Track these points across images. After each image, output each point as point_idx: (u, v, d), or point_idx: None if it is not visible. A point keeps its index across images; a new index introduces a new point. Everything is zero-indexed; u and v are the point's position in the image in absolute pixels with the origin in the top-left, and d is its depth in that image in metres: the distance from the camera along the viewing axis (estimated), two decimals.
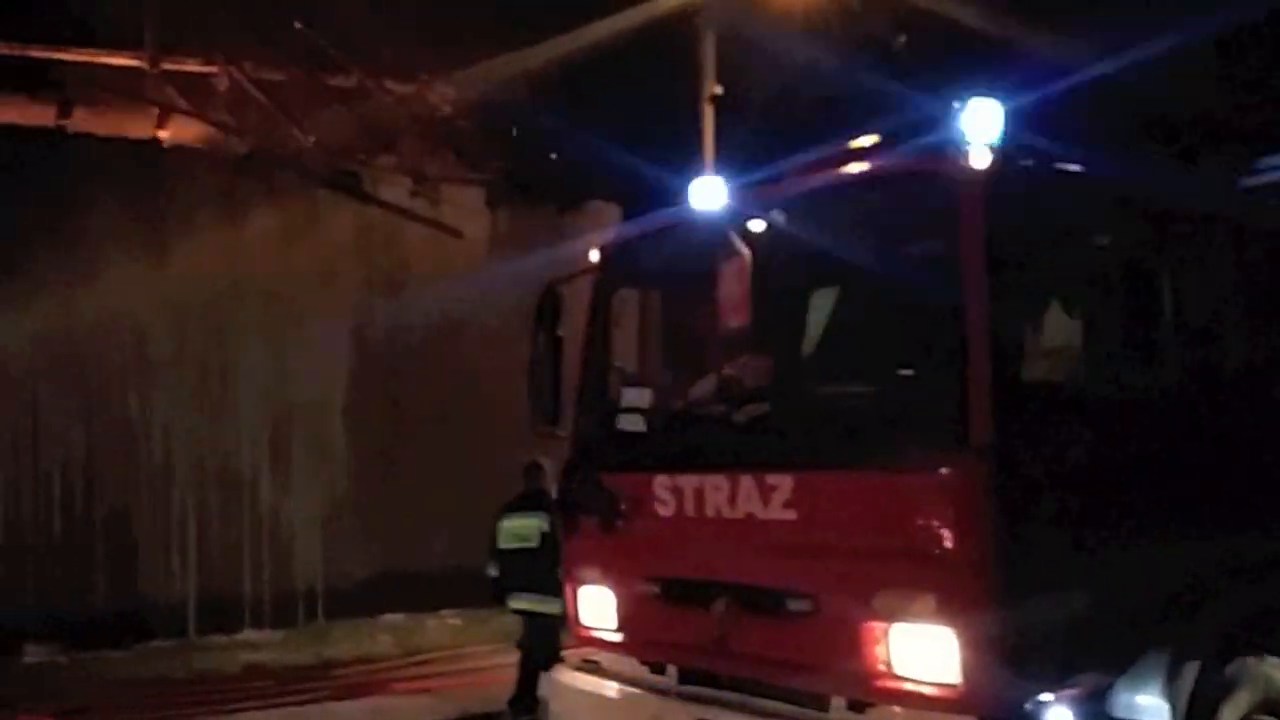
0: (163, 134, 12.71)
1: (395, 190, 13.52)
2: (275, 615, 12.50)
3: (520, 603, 8.39)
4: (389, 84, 14.13)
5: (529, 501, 8.49)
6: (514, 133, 14.35)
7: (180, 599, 12.13)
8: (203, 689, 9.88)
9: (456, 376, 13.37)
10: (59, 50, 12.36)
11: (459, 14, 13.33)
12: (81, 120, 12.09)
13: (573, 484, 5.93)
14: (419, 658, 10.93)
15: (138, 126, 12.62)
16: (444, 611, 12.81)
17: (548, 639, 7.85)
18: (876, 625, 4.40)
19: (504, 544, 8.47)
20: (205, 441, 12.34)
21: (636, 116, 13.23)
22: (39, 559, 11.44)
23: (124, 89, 12.63)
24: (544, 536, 8.21)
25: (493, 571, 8.58)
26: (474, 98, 14.48)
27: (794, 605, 4.68)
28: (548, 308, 6.04)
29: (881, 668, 4.42)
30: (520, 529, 8.40)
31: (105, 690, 9.78)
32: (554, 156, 13.87)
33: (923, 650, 4.30)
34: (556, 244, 12.33)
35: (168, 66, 13.05)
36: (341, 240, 13.09)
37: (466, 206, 13.91)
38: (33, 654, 11.01)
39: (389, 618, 12.59)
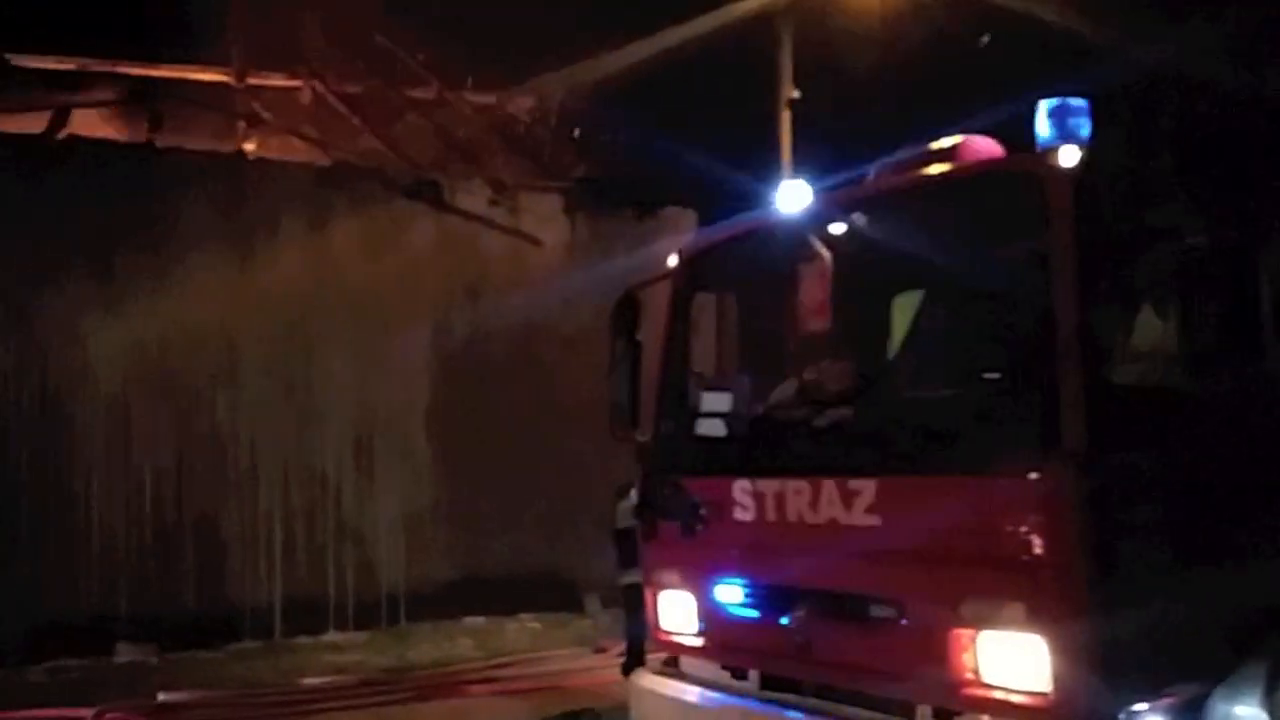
0: (249, 147, 12.98)
1: (474, 199, 13.65)
2: (358, 617, 12.67)
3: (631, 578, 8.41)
4: (468, 94, 14.29)
5: None
6: (591, 140, 14.42)
7: (267, 601, 12.34)
8: (289, 689, 10.05)
9: (535, 382, 13.46)
10: (150, 66, 12.67)
11: (536, 23, 13.44)
12: (171, 134, 12.38)
13: (652, 488, 5.93)
14: (499, 660, 10.98)
15: (225, 140, 12.91)
16: (523, 615, 12.90)
17: None
18: (964, 632, 4.34)
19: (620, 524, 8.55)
20: (291, 447, 12.54)
21: (713, 122, 13.25)
22: (131, 561, 11.71)
23: (212, 103, 12.91)
24: None
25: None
26: (552, 106, 14.59)
27: (878, 611, 4.64)
28: (626, 313, 6.06)
29: (969, 676, 4.35)
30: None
31: (195, 689, 9.98)
32: (633, 162, 13.92)
33: (1012, 658, 4.24)
34: (634, 249, 12.43)
35: (254, 81, 13.33)
36: (422, 249, 13.25)
37: (545, 214, 14.00)
38: (125, 653, 11.27)
39: (469, 621, 12.71)
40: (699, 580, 5.63)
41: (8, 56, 12.04)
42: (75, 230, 11.46)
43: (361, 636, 12.38)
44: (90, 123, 12.16)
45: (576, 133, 14.44)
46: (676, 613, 5.79)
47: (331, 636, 12.37)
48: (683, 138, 13.22)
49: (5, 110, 11.83)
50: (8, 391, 11.29)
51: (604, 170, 14.46)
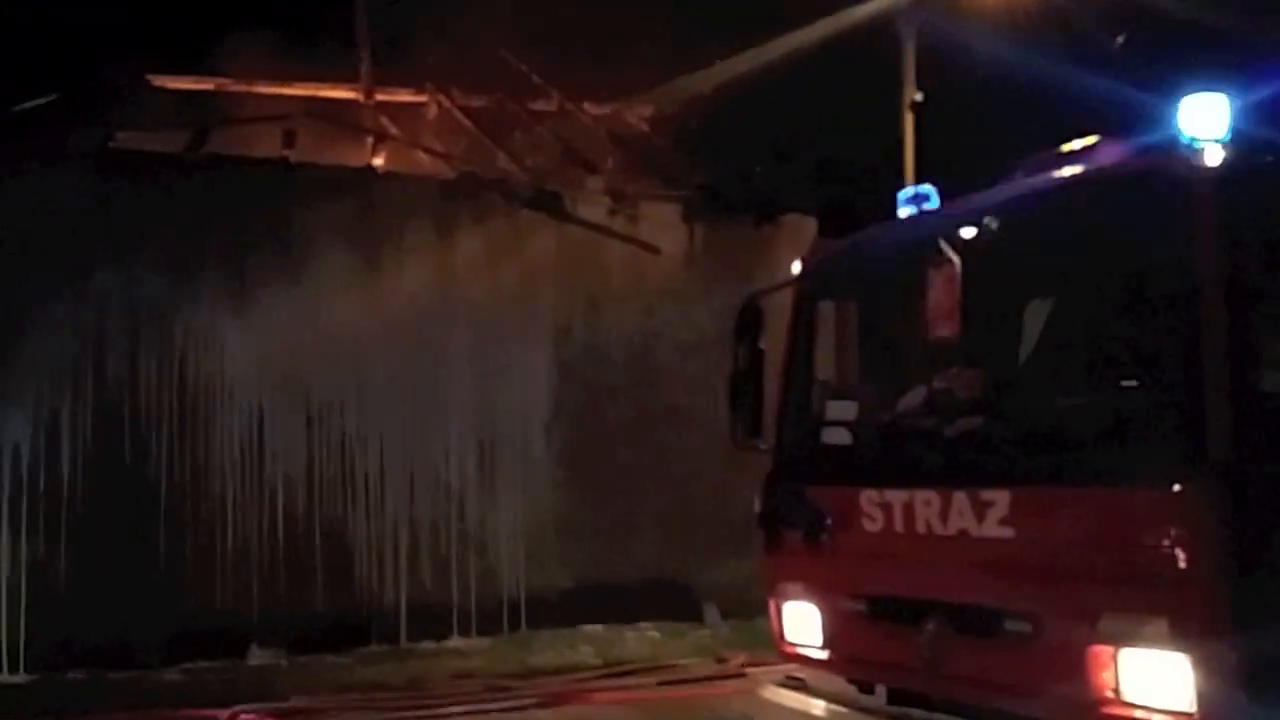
0: (377, 161, 13.29)
1: (595, 209, 13.75)
2: (481, 623, 12.81)
3: None
4: (588, 105, 14.41)
5: None
6: (710, 147, 14.41)
7: (393, 606, 12.56)
8: (414, 693, 10.22)
9: (655, 390, 13.47)
10: (283, 85, 13.07)
11: (653, 31, 13.50)
12: (303, 150, 12.74)
13: (775, 498, 5.88)
14: (619, 668, 11.01)
15: (354, 155, 13.24)
16: (642, 624, 12.90)
17: None
18: (1102, 649, 4.20)
19: None
20: (416, 456, 12.76)
21: (834, 127, 13.12)
22: (264, 566, 12.04)
23: (342, 120, 13.25)
24: None
25: None
26: (670, 114, 14.63)
27: (1012, 626, 4.52)
28: (748, 321, 6.03)
29: (1108, 694, 4.21)
30: None
31: (324, 692, 10.22)
32: (757, 169, 13.87)
33: (1153, 676, 4.09)
34: (753, 257, 12.37)
35: (381, 97, 13.66)
36: (543, 259, 13.38)
37: (664, 223, 14.02)
38: (257, 656, 11.59)
39: (589, 628, 12.75)
40: (824, 592, 5.56)
41: (149, 78, 12.54)
42: (212, 244, 11.89)
43: (484, 643, 12.53)
44: (226, 140, 12.58)
45: (696, 141, 14.44)
46: (801, 624, 5.73)
47: (455, 642, 12.54)
48: (803, 143, 13.13)
49: (147, 129, 12.32)
50: (148, 401, 11.73)
51: (723, 177, 14.43)
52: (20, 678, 10.90)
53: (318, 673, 11.13)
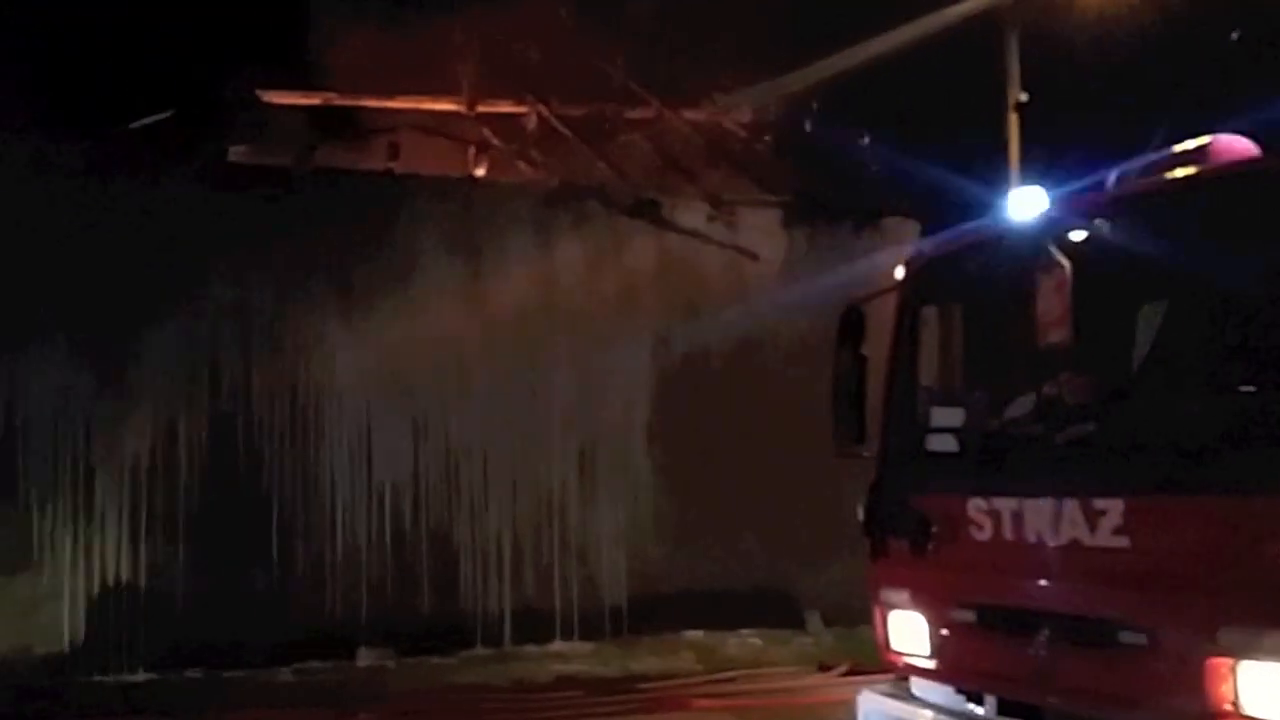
0: (479, 171, 13.49)
1: (693, 215, 13.76)
2: (584, 628, 12.91)
3: None
4: (685, 112, 14.43)
5: None
6: (809, 151, 14.31)
7: (497, 610, 12.73)
8: (518, 697, 10.34)
9: (755, 396, 13.43)
10: (387, 99, 13.35)
11: (752, 34, 13.45)
12: (408, 161, 13.00)
13: (880, 505, 5.82)
14: (722, 675, 10.99)
15: (457, 165, 13.46)
16: (744, 630, 12.88)
17: None
18: (1221, 662, 4.08)
19: None
20: (518, 462, 12.91)
21: (935, 127, 12.93)
22: (372, 570, 12.30)
23: (445, 131, 13.48)
24: None
25: None
26: (768, 119, 14.57)
27: (1126, 638, 4.41)
28: (851, 327, 5.98)
29: (1226, 707, 4.09)
30: None
31: (431, 694, 10.40)
32: (852, 172, 13.74)
33: (1274, 689, 3.96)
34: (854, 262, 12.26)
35: (482, 108, 13.85)
36: (642, 266, 13.44)
37: (763, 228, 13.99)
38: (365, 658, 11.83)
39: (691, 634, 12.77)
40: (930, 600, 5.49)
41: (260, 93, 12.91)
42: (320, 255, 12.21)
43: (586, 647, 12.62)
44: (334, 153, 12.89)
45: (794, 145, 14.36)
46: (907, 633, 5.66)
47: (558, 646, 12.66)
48: (903, 145, 12.97)
49: (258, 143, 12.68)
50: (261, 410, 12.07)
51: (822, 182, 14.33)
52: (140, 676, 11.30)
53: (424, 674, 11.35)
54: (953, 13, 13.25)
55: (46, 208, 11.17)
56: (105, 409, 11.52)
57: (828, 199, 14.23)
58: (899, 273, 5.98)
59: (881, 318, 6.06)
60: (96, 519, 11.46)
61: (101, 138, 11.73)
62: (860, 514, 5.87)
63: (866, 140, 14.41)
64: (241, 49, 12.33)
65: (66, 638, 11.27)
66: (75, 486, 11.42)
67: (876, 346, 6.04)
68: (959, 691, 5.36)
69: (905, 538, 5.48)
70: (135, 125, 12.31)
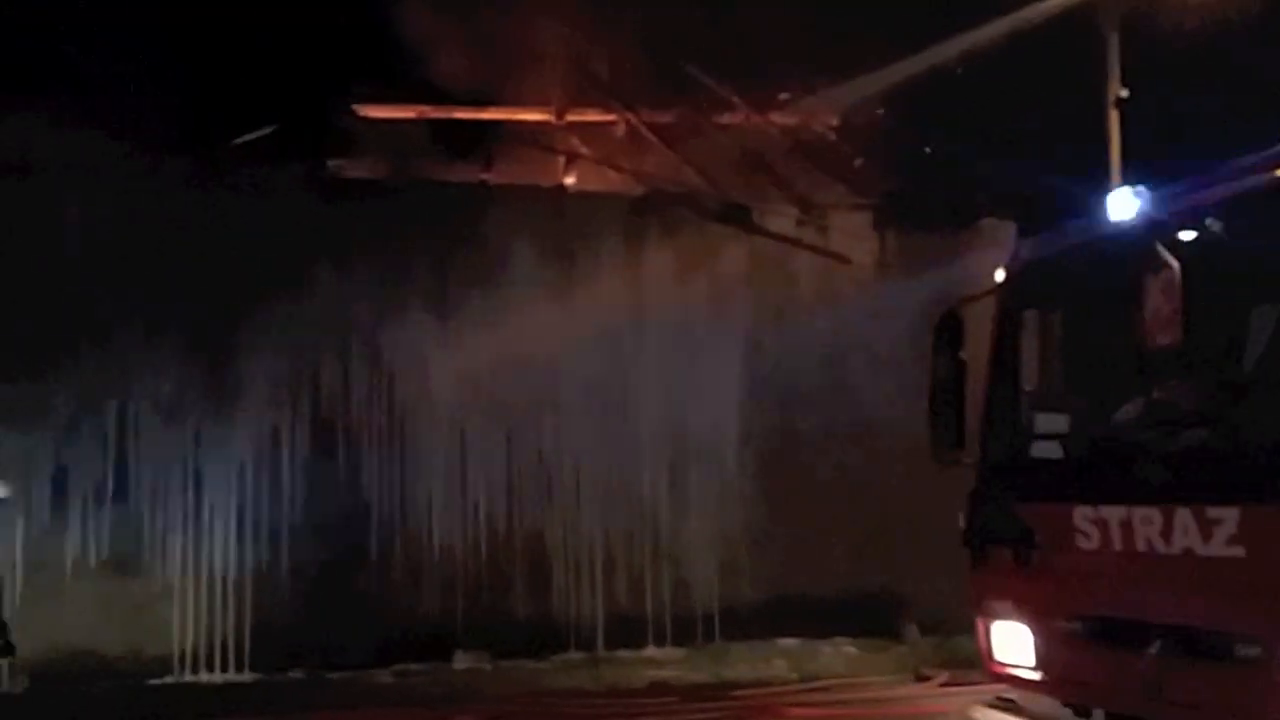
0: (569, 181, 13.58)
1: (783, 220, 13.70)
2: (676, 633, 12.91)
3: None
4: (774, 116, 14.37)
5: None
6: (900, 152, 14.16)
7: (589, 614, 12.79)
8: (612, 701, 10.39)
9: (847, 402, 13.32)
10: (479, 110, 13.53)
11: (840, 33, 13.34)
12: (499, 172, 13.15)
13: (982, 514, 5.75)
14: (816, 684, 10.92)
15: (547, 175, 13.58)
16: (838, 638, 12.76)
17: None
18: None
19: None
20: (610, 469, 12.96)
21: (1031, 125, 12.69)
22: (467, 574, 12.45)
23: (535, 141, 13.61)
24: None
25: None
26: (859, 120, 14.45)
27: (1242, 650, 4.30)
28: (949, 331, 5.92)
29: None
30: None
31: (527, 698, 10.50)
32: (945, 173, 13.55)
33: None
34: (948, 264, 12.11)
35: (572, 118, 13.95)
36: (732, 272, 13.41)
37: (854, 232, 13.86)
38: (461, 660, 11.98)
39: (784, 642, 12.69)
40: (1035, 611, 5.41)
41: (356, 108, 13.18)
42: (416, 265, 12.42)
43: (679, 652, 12.62)
44: (428, 166, 13.10)
45: (885, 146, 14.22)
46: (1011, 644, 5.58)
47: (650, 651, 12.68)
48: (998, 144, 12.75)
49: (356, 157, 12.95)
50: (360, 416, 12.31)
51: (915, 183, 14.17)
52: (246, 676, 11.59)
53: (519, 677, 11.46)
54: (1049, 5, 12.98)
55: (159, 220, 11.55)
56: (213, 415, 11.84)
57: (920, 201, 14.06)
58: (998, 276, 5.90)
59: (980, 322, 6.00)
60: (204, 522, 11.78)
61: (208, 153, 12.09)
62: (961, 522, 5.80)
63: (956, 141, 14.20)
64: (340, 65, 12.60)
65: (175, 638, 11.58)
66: (184, 490, 11.75)
67: (975, 351, 5.97)
68: (1066, 704, 5.27)
69: (1008, 547, 5.42)
70: (240, 141, 12.65)
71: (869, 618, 12.89)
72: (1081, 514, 4.99)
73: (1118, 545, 4.82)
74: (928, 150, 14.02)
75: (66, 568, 11.35)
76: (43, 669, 10.96)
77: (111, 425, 11.62)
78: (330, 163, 12.87)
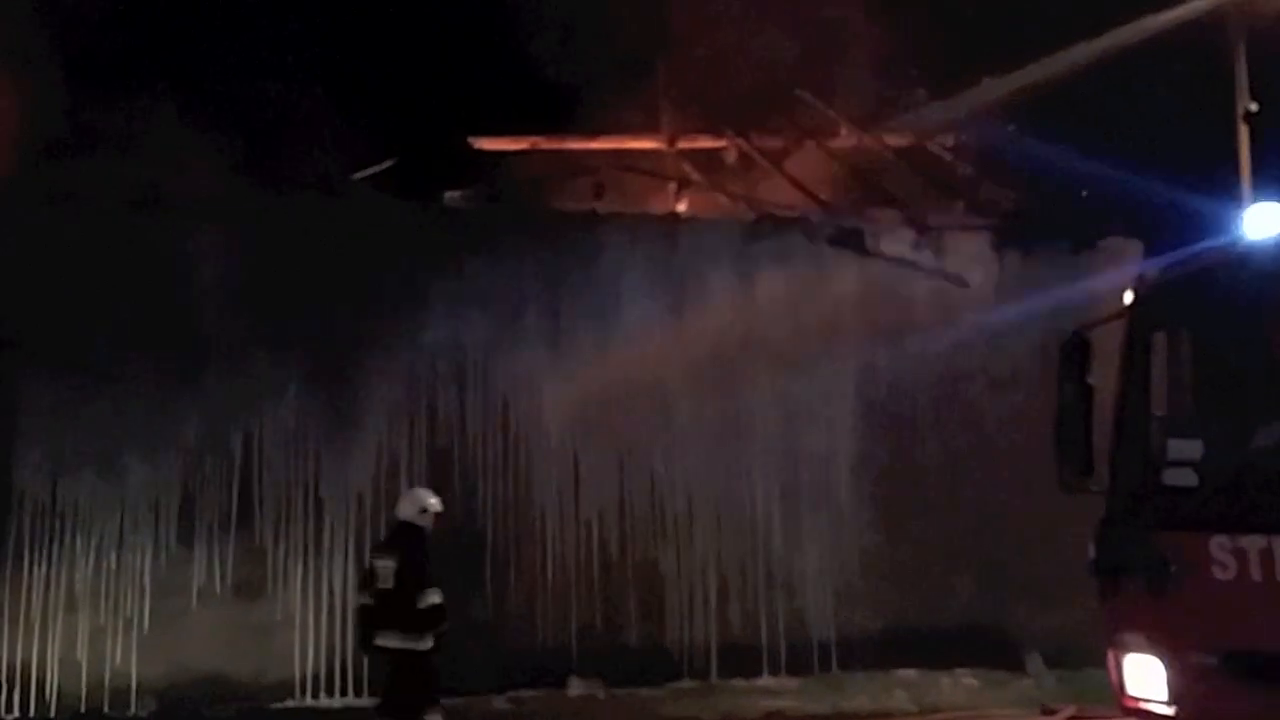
0: (680, 207, 13.63)
1: (898, 243, 13.52)
2: (791, 663, 12.73)
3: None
4: (887, 138, 14.23)
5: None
6: (1018, 171, 13.88)
7: (703, 643, 12.69)
8: None
9: (965, 426, 13.07)
10: (591, 140, 13.68)
11: (954, 50, 13.18)
12: (611, 200, 13.24)
13: (1112, 543, 5.55)
14: (938, 716, 10.67)
15: (658, 202, 13.64)
16: (959, 670, 12.45)
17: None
18: None
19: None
20: (722, 496, 12.87)
21: (1156, 141, 12.35)
22: (581, 601, 12.46)
23: (646, 169, 13.69)
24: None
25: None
26: (974, 139, 14.22)
27: None
28: (1076, 355, 5.76)
29: None
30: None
31: None
32: (1066, 192, 13.24)
33: None
34: (1071, 286, 11.81)
35: (683, 145, 14.02)
36: (846, 296, 13.25)
37: (972, 253, 13.60)
38: (575, 687, 11.98)
39: (902, 673, 12.43)
40: (1170, 644, 5.20)
41: (471, 140, 13.45)
42: (529, 293, 12.53)
43: (794, 683, 12.44)
44: (542, 195, 13.27)
45: (1002, 166, 13.95)
46: (1144, 677, 5.36)
47: (765, 681, 12.51)
48: (1121, 161, 12.42)
49: (470, 188, 13.19)
50: (474, 443, 12.44)
51: (1035, 202, 13.86)
52: (365, 701, 11.72)
53: (633, 705, 11.42)
54: (1173, 17, 12.62)
55: (282, 253, 11.88)
56: (333, 444, 12.08)
57: (1040, 220, 13.75)
58: (1127, 297, 5.73)
59: (1107, 344, 5.82)
60: (325, 549, 12.01)
61: (330, 188, 12.43)
62: (1090, 551, 5.62)
63: (1077, 158, 13.88)
64: (455, 100, 12.89)
65: (297, 663, 11.80)
66: (305, 518, 11.99)
67: (1103, 375, 5.79)
68: None
69: (1141, 577, 5.22)
70: (360, 175, 12.99)
71: (990, 649, 12.56)
72: (1219, 543, 4.78)
73: (1257, 575, 4.61)
74: (1075, 156, 13.67)
75: (192, 593, 11.65)
76: (169, 693, 11.28)
77: (236, 454, 11.93)
78: (446, 194, 13.12)
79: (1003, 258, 13.66)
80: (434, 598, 8.18)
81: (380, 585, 8.33)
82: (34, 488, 11.43)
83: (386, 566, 8.34)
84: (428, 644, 8.27)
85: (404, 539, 8.50)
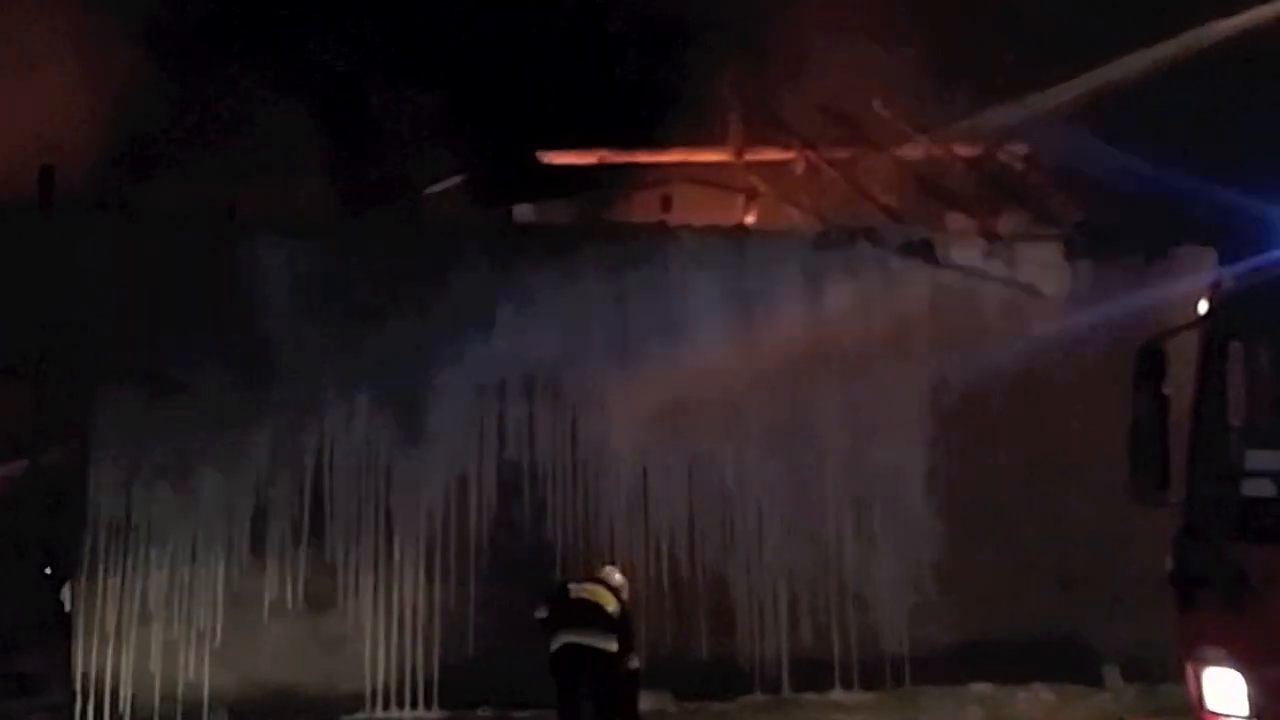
0: (748, 219, 13.61)
1: (969, 253, 13.39)
2: (864, 677, 12.63)
3: None
4: (956, 147, 14.10)
5: None
6: (1091, 179, 13.65)
7: (774, 656, 12.64)
8: None
9: (1038, 438, 12.87)
10: (659, 153, 13.72)
11: (1023, 58, 13.02)
12: (679, 213, 13.26)
13: (1190, 554, 5.45)
14: None
15: (727, 214, 13.63)
16: (1035, 684, 12.26)
17: None
18: None
19: None
20: (792, 508, 12.82)
21: (1233, 144, 12.08)
22: (650, 613, 12.43)
23: (714, 181, 13.70)
24: None
25: None
26: (1045, 147, 14.03)
27: None
28: (1150, 365, 5.66)
29: None
30: None
31: None
32: (1141, 199, 12.99)
33: None
34: (1145, 294, 11.61)
35: (750, 156, 14.00)
36: (916, 307, 13.15)
37: (1044, 262, 13.43)
38: (646, 700, 11.91)
39: (977, 687, 12.27)
40: (1250, 657, 5.08)
41: (539, 154, 13.57)
42: (598, 306, 12.60)
43: (867, 697, 12.34)
44: (609, 208, 13.34)
45: (1075, 173, 13.74)
46: (1224, 692, 5.25)
47: (837, 695, 12.42)
48: (1195, 167, 12.17)
49: (538, 202, 13.30)
50: (544, 457, 12.52)
51: (1107, 211, 13.64)
52: (435, 714, 11.86)
53: (703, 719, 11.37)
54: (1246, 20, 12.37)
55: (354, 267, 12.11)
56: (403, 458, 12.23)
57: (1114, 229, 13.54)
58: (1202, 306, 5.62)
59: (1182, 354, 5.72)
60: (395, 562, 12.14)
61: (401, 204, 12.62)
62: (1168, 563, 5.51)
63: (1150, 165, 13.64)
64: (524, 114, 13.02)
65: (368, 675, 11.94)
66: (376, 531, 12.15)
67: (1178, 385, 5.69)
68: None
69: (1220, 589, 5.11)
70: (431, 190, 13.17)
71: (1067, 662, 12.36)
72: None
73: None
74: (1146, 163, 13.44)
75: (264, 606, 11.84)
76: (242, 704, 11.49)
77: (307, 467, 12.12)
78: (516, 209, 13.24)
79: (1075, 266, 13.48)
80: None
81: None
82: (109, 501, 11.71)
83: None
84: None
85: None
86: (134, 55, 12.21)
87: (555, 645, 8.30)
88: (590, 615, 8.09)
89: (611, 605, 8.06)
